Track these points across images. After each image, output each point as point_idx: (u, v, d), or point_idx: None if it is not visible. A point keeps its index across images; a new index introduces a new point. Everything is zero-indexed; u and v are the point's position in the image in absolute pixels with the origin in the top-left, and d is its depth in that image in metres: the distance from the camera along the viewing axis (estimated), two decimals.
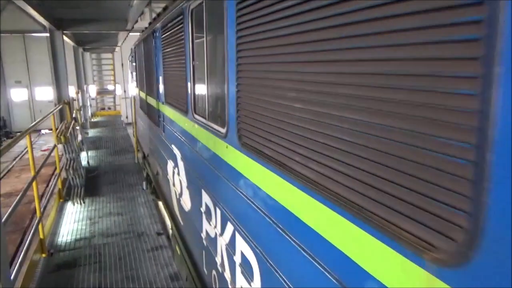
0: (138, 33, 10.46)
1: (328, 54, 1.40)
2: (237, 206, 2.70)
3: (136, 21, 10.49)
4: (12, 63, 24.06)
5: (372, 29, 1.13)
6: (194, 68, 3.88)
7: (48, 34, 11.55)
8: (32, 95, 25.16)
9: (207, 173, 3.49)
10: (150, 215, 6.49)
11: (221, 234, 3.15)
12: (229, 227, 2.91)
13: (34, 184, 4.46)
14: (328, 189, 1.45)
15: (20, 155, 14.94)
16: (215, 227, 3.34)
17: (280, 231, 1.98)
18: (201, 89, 3.86)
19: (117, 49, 24.00)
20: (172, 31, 4.78)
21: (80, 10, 10.04)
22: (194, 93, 3.93)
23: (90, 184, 8.40)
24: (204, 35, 3.28)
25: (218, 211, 3.22)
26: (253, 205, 2.36)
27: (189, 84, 4.00)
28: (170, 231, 6.13)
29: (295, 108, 1.73)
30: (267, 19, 1.98)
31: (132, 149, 12.25)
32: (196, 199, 4.08)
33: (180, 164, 4.92)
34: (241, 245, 2.64)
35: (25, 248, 4.29)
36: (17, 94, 24.93)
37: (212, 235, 3.48)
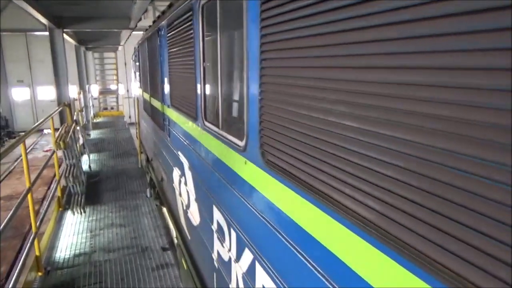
0: (142, 32, 10.20)
1: (369, 59, 1.19)
2: (258, 232, 2.34)
3: (140, 19, 10.19)
4: (14, 62, 23.94)
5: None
6: (205, 70, 3.52)
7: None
8: (34, 94, 25.06)
9: (220, 189, 3.15)
10: (155, 226, 6.14)
11: (237, 260, 2.79)
12: (247, 255, 2.56)
13: (29, 196, 4.12)
14: (374, 224, 1.22)
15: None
16: (229, 250, 2.99)
17: (312, 268, 1.65)
18: (212, 93, 3.50)
19: (120, 48, 23.82)
20: (180, 29, 4.44)
21: (80, 8, 9.75)
22: (204, 98, 3.57)
23: (92, 191, 8.09)
24: (218, 34, 2.92)
25: (233, 233, 2.87)
26: (279, 235, 2.02)
27: (198, 87, 3.65)
28: (175, 240, 5.83)
29: (333, 123, 1.43)
30: (301, 14, 1.64)
31: (135, 152, 11.99)
32: (206, 214, 3.75)
33: (188, 173, 4.59)
34: (263, 279, 2.29)
35: (19, 266, 3.95)
36: (19, 94, 24.80)
37: (225, 258, 3.14)
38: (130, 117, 25.19)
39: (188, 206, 4.73)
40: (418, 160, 1.02)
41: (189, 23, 3.88)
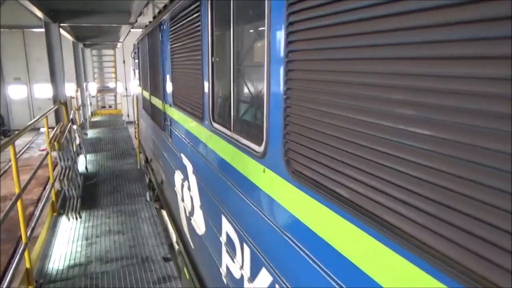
0: (141, 30, 9.96)
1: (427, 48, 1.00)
2: (279, 252, 2.06)
3: (141, 14, 9.91)
4: (11, 59, 23.65)
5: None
6: (213, 65, 3.22)
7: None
8: (32, 92, 24.79)
9: (230, 198, 2.85)
10: (155, 234, 5.84)
11: (251, 279, 2.50)
12: (265, 276, 2.27)
13: (19, 203, 3.81)
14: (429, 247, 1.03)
15: (18, 155, 14.35)
16: (242, 267, 2.70)
17: None
18: (223, 91, 3.21)
19: (118, 45, 23.57)
20: (184, 22, 4.15)
21: (78, 1, 9.44)
22: (212, 96, 3.27)
23: (88, 194, 7.79)
24: (231, 25, 2.62)
25: (247, 249, 2.59)
26: (307, 258, 1.74)
27: (206, 85, 3.36)
28: (175, 245, 5.56)
29: (381, 127, 1.20)
30: (337, 9, 1.40)
31: (134, 152, 11.73)
32: (213, 224, 3.47)
33: (192, 178, 4.31)
34: None
35: (8, 278, 3.64)
36: (16, 91, 24.51)
37: (237, 276, 2.85)
38: (128, 115, 24.95)
39: (191, 212, 4.46)
40: (476, 167, 0.89)
41: (196, 14, 3.59)
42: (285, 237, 1.96)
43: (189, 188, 4.54)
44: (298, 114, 1.75)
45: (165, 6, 5.97)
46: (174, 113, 5.25)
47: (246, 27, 2.68)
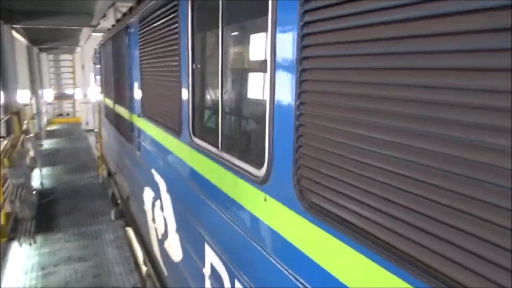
0: (101, 34, 9.46)
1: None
2: None
3: (104, 15, 9.34)
4: None
5: None
6: (194, 73, 2.87)
7: None
8: None
9: (217, 226, 2.52)
10: (123, 259, 5.33)
11: None
12: None
13: None
14: None
15: None
16: None
17: None
18: (207, 103, 2.85)
19: (78, 49, 22.52)
20: (157, 24, 3.76)
21: (34, 1, 8.72)
22: (192, 108, 2.92)
23: (44, 214, 7.15)
24: (219, 28, 2.29)
25: (239, 286, 2.23)
26: None
27: (184, 94, 3.00)
28: (142, 267, 5.11)
29: (419, 152, 1.04)
30: (371, 6, 1.17)
31: (95, 165, 11.12)
32: (193, 252, 3.12)
33: (165, 197, 3.92)
34: None
35: None
36: None
37: None
38: (87, 123, 23.77)
39: (165, 235, 4.07)
40: None
41: (173, 15, 3.22)
42: (295, 281, 1.63)
43: (161, 208, 4.14)
44: (315, 134, 1.44)
45: (131, 9, 5.60)
46: (144, 125, 4.84)
47: (238, 28, 2.35)
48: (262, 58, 1.85)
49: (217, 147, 2.43)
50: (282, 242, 1.71)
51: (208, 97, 2.86)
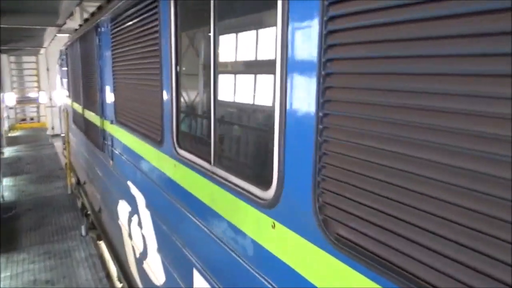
0: (67, 35, 8.93)
1: None
2: None
3: (71, 14, 8.80)
4: None
5: None
6: (178, 76, 2.57)
7: None
8: None
9: (210, 252, 2.22)
10: (96, 282, 4.91)
11: None
12: None
13: None
14: None
15: None
16: None
17: None
18: (196, 109, 2.56)
19: (42, 51, 21.52)
20: (134, 22, 3.45)
21: None
22: (177, 115, 2.62)
23: (5, 231, 6.64)
24: (211, 24, 2.00)
25: None
26: None
27: (167, 99, 2.72)
28: (119, 285, 4.75)
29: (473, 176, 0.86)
30: None
31: (63, 174, 10.47)
32: (178, 277, 2.86)
33: (144, 213, 3.60)
34: None
35: None
36: None
37: None
38: (53, 128, 22.77)
39: (144, 254, 3.76)
40: None
41: (152, 12, 2.91)
42: None
43: (140, 225, 3.81)
44: (345, 153, 1.19)
45: (100, 7, 5.25)
46: (117, 132, 4.51)
47: (235, 24, 2.06)
48: (267, 58, 1.58)
49: (208, 161, 2.14)
50: (298, 279, 1.44)
51: (196, 102, 2.57)
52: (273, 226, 1.57)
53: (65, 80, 10.09)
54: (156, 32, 2.86)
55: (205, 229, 2.25)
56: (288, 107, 1.43)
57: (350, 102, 1.17)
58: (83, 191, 7.97)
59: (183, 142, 2.59)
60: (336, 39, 1.19)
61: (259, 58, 1.76)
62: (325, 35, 1.21)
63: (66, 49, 8.86)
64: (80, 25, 7.30)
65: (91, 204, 7.22)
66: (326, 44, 1.21)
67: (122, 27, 3.89)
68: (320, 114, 1.26)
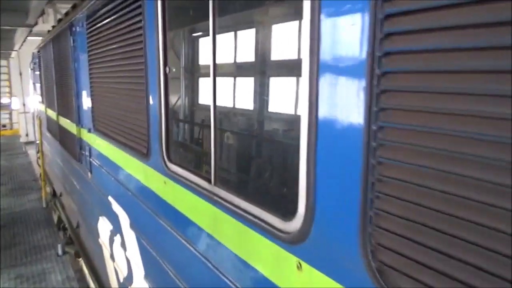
0: (40, 37, 8.97)
1: None
2: None
3: (43, 13, 8.33)
4: None
5: None
6: (168, 78, 2.23)
7: None
8: None
9: (208, 285, 1.88)
10: None
11: None
12: None
13: None
14: None
15: None
16: None
17: None
18: (191, 117, 2.22)
19: (13, 54, 20.81)
20: (113, 19, 3.10)
21: None
22: (167, 124, 2.28)
23: None
24: (210, 19, 1.68)
25: None
26: None
27: (154, 106, 2.40)
28: None
29: None
30: None
31: (37, 185, 9.96)
32: None
33: (129, 234, 3.27)
34: None
35: None
36: None
37: None
38: (27, 135, 22.01)
39: (129, 280, 3.47)
40: None
41: (134, 6, 2.56)
42: None
43: (123, 246, 3.46)
44: (412, 181, 0.89)
45: (74, 6, 4.92)
46: (96, 142, 4.19)
47: (240, 14, 1.74)
48: (286, 56, 1.26)
49: (208, 180, 1.81)
50: None
51: (192, 110, 2.23)
52: (299, 267, 1.25)
53: (38, 85, 9.74)
54: (140, 29, 2.51)
55: (204, 259, 1.92)
56: (320, 116, 1.12)
57: (419, 110, 0.86)
58: (59, 203, 7.59)
59: (175, 156, 2.25)
60: (399, 25, 0.88)
61: (274, 56, 1.44)
62: (381, 20, 0.91)
63: (39, 51, 8.53)
64: (54, 26, 6.94)
65: (68, 218, 6.82)
66: (382, 31, 0.91)
67: (99, 25, 3.54)
68: (373, 127, 0.95)
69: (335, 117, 1.07)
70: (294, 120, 1.27)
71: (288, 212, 1.30)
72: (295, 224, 1.25)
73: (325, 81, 1.09)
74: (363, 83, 0.97)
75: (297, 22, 1.20)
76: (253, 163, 1.74)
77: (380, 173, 0.95)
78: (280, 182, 1.46)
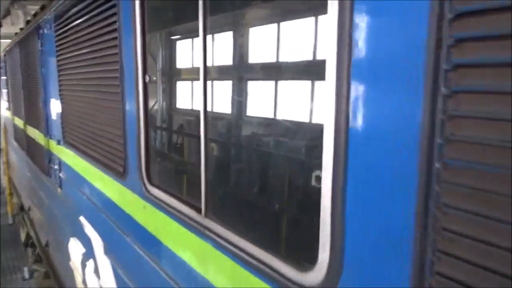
0: (8, 40, 8.57)
1: None
2: None
3: (8, 14, 7.89)
4: None
5: None
6: (147, 87, 1.96)
7: None
8: None
9: None
10: None
11: None
12: None
13: None
14: None
15: None
16: None
17: None
18: (177, 132, 1.95)
19: None
20: (83, 20, 2.82)
21: None
22: (147, 140, 1.99)
23: None
24: (200, 16, 1.41)
25: None
26: None
27: (131, 117, 2.12)
28: None
29: None
30: None
31: (2, 199, 9.53)
32: None
33: (103, 261, 3.00)
34: None
35: None
36: None
37: None
38: None
39: None
40: None
41: (109, 5, 2.27)
42: None
43: (97, 273, 3.15)
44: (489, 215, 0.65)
45: (43, 7, 4.62)
46: (66, 155, 3.91)
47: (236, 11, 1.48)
48: (296, 58, 1.02)
49: (197, 209, 1.53)
50: None
51: (178, 123, 1.96)
52: None
53: (4, 91, 9.45)
54: (114, 31, 2.22)
55: None
56: (351, 127, 0.87)
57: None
58: (27, 218, 7.14)
59: (157, 178, 1.96)
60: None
61: (283, 57, 1.20)
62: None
63: (5, 55, 8.31)
64: (21, 29, 6.58)
65: (37, 235, 6.43)
66: (450, 16, 0.66)
67: (69, 27, 3.24)
68: (438, 140, 0.70)
69: (374, 127, 0.82)
70: (313, 134, 1.02)
71: (304, 259, 1.04)
72: (315, 276, 1.00)
73: (357, 85, 0.84)
74: (421, 81, 0.72)
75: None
76: (253, 191, 1.48)
77: (447, 202, 0.71)
78: (291, 218, 1.20)
